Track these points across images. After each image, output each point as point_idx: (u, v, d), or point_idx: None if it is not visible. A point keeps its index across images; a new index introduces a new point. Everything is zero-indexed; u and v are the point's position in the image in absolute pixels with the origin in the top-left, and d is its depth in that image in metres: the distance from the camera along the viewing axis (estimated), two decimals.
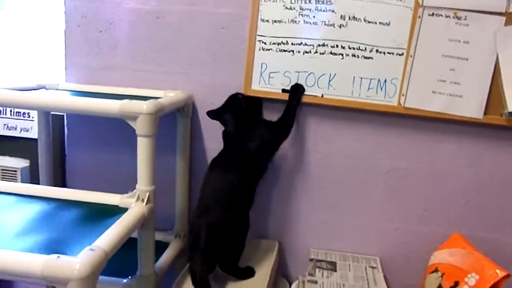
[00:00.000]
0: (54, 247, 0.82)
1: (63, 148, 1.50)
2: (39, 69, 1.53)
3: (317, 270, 1.30)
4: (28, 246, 0.83)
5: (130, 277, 1.09)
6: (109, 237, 0.83)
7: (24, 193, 1.10)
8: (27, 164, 1.54)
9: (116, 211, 1.00)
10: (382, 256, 1.40)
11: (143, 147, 0.99)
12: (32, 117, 1.51)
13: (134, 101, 0.98)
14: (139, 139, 0.99)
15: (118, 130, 1.38)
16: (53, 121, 1.42)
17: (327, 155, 1.35)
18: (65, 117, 1.47)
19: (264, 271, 1.21)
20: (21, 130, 1.52)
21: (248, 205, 1.19)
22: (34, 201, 1.07)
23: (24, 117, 1.52)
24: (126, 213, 0.96)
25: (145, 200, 1.01)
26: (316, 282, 1.23)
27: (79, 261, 0.73)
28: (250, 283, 1.15)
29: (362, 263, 1.36)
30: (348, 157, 1.35)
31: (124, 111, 0.97)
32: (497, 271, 1.10)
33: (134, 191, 1.03)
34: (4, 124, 1.51)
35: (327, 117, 1.33)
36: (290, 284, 1.40)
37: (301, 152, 1.36)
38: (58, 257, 0.73)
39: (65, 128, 1.45)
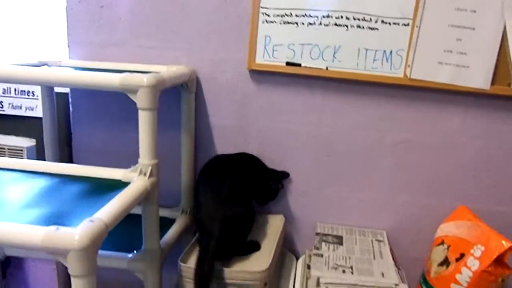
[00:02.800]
0: (55, 219, 0.83)
1: (69, 127, 1.50)
2: (41, 47, 1.52)
3: (323, 244, 1.30)
4: (30, 219, 0.84)
5: (135, 252, 1.10)
6: (109, 209, 0.84)
7: (28, 169, 1.10)
8: (33, 143, 1.54)
9: (118, 185, 1.00)
10: (389, 229, 1.39)
11: (144, 121, 0.99)
12: (37, 96, 1.51)
13: (134, 74, 0.97)
14: (140, 112, 0.99)
15: (123, 106, 1.39)
16: (58, 100, 1.42)
17: (333, 128, 1.34)
18: (69, 95, 1.47)
19: (269, 246, 1.21)
20: (26, 109, 1.53)
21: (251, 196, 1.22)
22: (38, 177, 1.07)
23: (28, 96, 1.52)
24: (128, 187, 0.96)
25: (148, 174, 1.01)
26: (322, 256, 1.23)
27: (78, 232, 0.73)
28: (255, 258, 1.15)
29: (369, 237, 1.36)
30: (354, 130, 1.33)
31: (124, 84, 0.96)
32: (503, 242, 1.09)
33: (137, 165, 1.03)
34: (9, 103, 1.52)
35: (333, 90, 1.31)
36: (297, 259, 1.41)
37: (306, 125, 1.35)
38: (58, 228, 0.74)
39: (70, 106, 1.45)
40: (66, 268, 1.47)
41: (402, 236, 1.40)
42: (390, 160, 1.35)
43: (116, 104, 1.41)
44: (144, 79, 0.96)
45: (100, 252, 1.11)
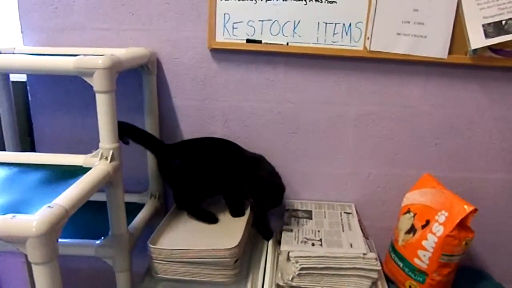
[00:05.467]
0: (13, 208, 0.81)
1: (29, 116, 1.46)
2: None
3: (292, 219, 1.31)
4: None
5: (103, 238, 1.09)
6: (69, 194, 0.82)
7: None
8: None
9: (80, 171, 0.98)
10: (356, 202, 1.42)
11: (102, 104, 0.97)
12: None
13: (89, 56, 0.95)
14: (97, 95, 0.96)
15: (81, 91, 1.35)
16: (15, 89, 1.38)
17: (297, 104, 1.35)
18: (26, 84, 1.42)
19: (240, 223, 1.22)
20: None
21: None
22: None
23: None
24: (89, 172, 0.94)
25: (109, 158, 0.99)
26: (291, 231, 1.25)
27: (36, 218, 0.72)
28: (227, 235, 1.15)
29: (337, 210, 1.38)
30: (317, 104, 1.34)
31: (79, 67, 0.94)
32: (465, 206, 1.13)
33: (98, 150, 1.01)
34: None
35: (294, 66, 1.31)
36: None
37: (270, 102, 1.35)
38: (14, 216, 0.72)
39: (28, 95, 1.41)
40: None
41: (369, 207, 1.43)
42: (354, 133, 1.36)
43: (74, 90, 1.37)
44: (99, 61, 0.94)
45: (67, 240, 1.10)
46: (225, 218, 1.26)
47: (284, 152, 1.39)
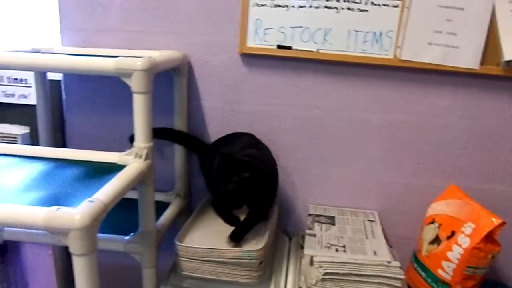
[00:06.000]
0: (55, 201, 0.84)
1: (62, 113, 1.50)
2: (33, 34, 1.52)
3: (316, 224, 1.32)
4: (30, 200, 0.85)
5: (132, 234, 1.11)
6: (108, 190, 0.85)
7: (25, 155, 1.12)
8: (27, 131, 1.54)
9: (115, 168, 1.01)
10: (380, 210, 1.42)
11: (139, 104, 1.00)
12: (30, 84, 1.51)
13: (128, 58, 0.98)
14: (134, 96, 1.00)
15: (114, 91, 1.39)
16: (51, 87, 1.42)
17: (323, 110, 1.36)
18: (61, 82, 1.47)
19: (263, 226, 1.23)
20: (19, 96, 1.53)
21: None
22: (34, 161, 1.08)
23: (21, 83, 1.52)
24: (124, 169, 0.97)
25: (143, 157, 1.02)
26: (315, 236, 1.26)
27: (79, 211, 0.75)
28: (252, 237, 1.17)
29: (360, 217, 1.39)
30: (343, 111, 1.35)
31: (119, 68, 0.97)
32: (493, 219, 1.12)
33: (132, 148, 1.04)
34: (2, 91, 1.51)
35: (323, 72, 1.32)
36: (290, 239, 1.43)
37: (296, 107, 1.36)
38: (59, 208, 0.75)
39: (63, 93, 1.46)
40: (62, 253, 1.49)
41: (393, 216, 1.43)
42: (379, 141, 1.37)
43: (108, 89, 1.41)
44: (138, 63, 0.97)
45: (98, 235, 1.13)
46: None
47: (307, 157, 1.41)
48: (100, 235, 1.12)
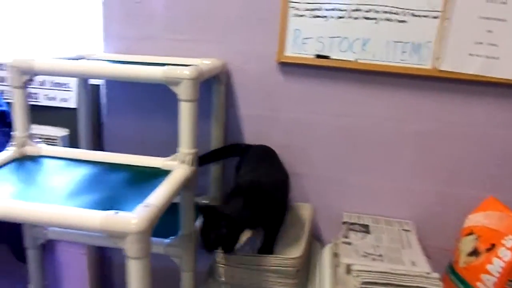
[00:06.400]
0: (107, 205, 0.87)
1: (99, 117, 1.54)
2: (75, 41, 1.57)
3: (351, 232, 1.33)
4: (82, 204, 0.88)
5: (172, 237, 1.14)
6: (159, 195, 0.88)
7: (70, 157, 1.15)
8: (67, 133, 1.59)
9: (159, 173, 1.04)
10: (415, 219, 1.42)
11: (185, 112, 1.03)
12: (71, 88, 1.55)
13: (176, 67, 1.01)
14: (181, 104, 1.02)
15: (154, 98, 1.43)
16: (91, 91, 1.47)
17: (359, 119, 1.37)
18: (100, 87, 1.51)
19: (301, 233, 1.24)
20: (60, 100, 1.57)
21: None
22: (80, 165, 1.12)
23: (63, 87, 1.56)
24: (172, 174, 1.00)
25: (188, 163, 1.04)
26: (350, 244, 1.26)
27: (136, 216, 0.77)
28: (288, 245, 1.19)
29: (395, 226, 1.39)
30: (380, 120, 1.36)
31: (167, 77, 1.00)
32: None
33: (176, 154, 1.07)
34: (45, 95, 1.56)
35: (360, 82, 1.34)
36: (322, 247, 1.44)
37: (333, 116, 1.38)
38: (116, 212, 0.78)
39: (101, 97, 1.50)
40: (95, 254, 1.53)
41: (428, 227, 1.42)
42: (415, 150, 1.37)
43: (148, 95, 1.45)
44: (187, 72, 1.00)
45: None
46: (285, 225, 1.29)
47: (342, 165, 1.42)
48: None
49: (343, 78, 1.34)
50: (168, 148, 1.09)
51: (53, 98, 1.56)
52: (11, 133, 1.44)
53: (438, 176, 1.38)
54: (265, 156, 1.31)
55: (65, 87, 1.56)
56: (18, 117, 1.15)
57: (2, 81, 1.61)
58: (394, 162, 1.40)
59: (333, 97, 1.36)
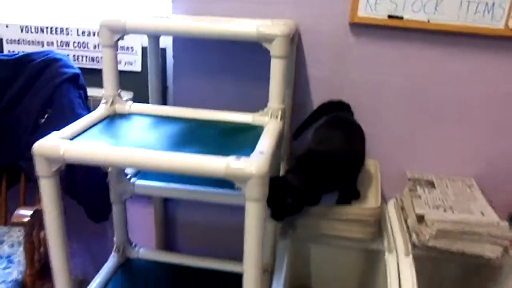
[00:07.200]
0: (219, 153, 0.91)
1: (164, 79, 1.59)
2: (141, 3, 1.60)
3: (418, 187, 1.39)
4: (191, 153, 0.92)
5: None
6: (266, 144, 0.94)
7: (159, 114, 1.21)
8: (131, 96, 1.64)
9: (250, 128, 1.10)
10: (476, 177, 1.47)
11: (277, 68, 1.07)
12: (135, 51, 1.60)
13: (269, 24, 1.05)
14: (273, 60, 1.07)
15: (221, 59, 1.46)
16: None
17: (428, 80, 1.40)
18: (165, 50, 1.55)
19: (375, 187, 1.30)
20: (125, 63, 1.62)
21: None
22: (171, 121, 1.17)
23: (128, 51, 1.61)
24: (268, 127, 1.05)
25: (279, 117, 1.10)
26: (419, 197, 1.33)
27: (256, 161, 0.84)
28: (364, 197, 1.24)
29: (458, 182, 1.44)
30: (451, 80, 1.39)
31: (262, 34, 1.04)
32: None
33: (266, 109, 1.12)
34: None
35: (431, 42, 1.36)
36: (386, 203, 1.50)
37: (402, 77, 1.41)
38: (238, 158, 0.84)
39: (172, 59, 1.53)
40: (161, 213, 1.61)
41: (488, 183, 1.47)
42: (486, 111, 1.41)
43: (215, 58, 1.48)
44: (280, 29, 1.04)
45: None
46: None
47: (408, 124, 1.46)
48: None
49: (415, 39, 1.36)
50: (235, 110, 1.14)
51: (118, 62, 1.61)
52: (84, 95, 1.51)
53: (505, 135, 1.42)
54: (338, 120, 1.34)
55: (130, 51, 1.61)
56: (109, 76, 1.20)
57: (67, 45, 1.66)
58: (460, 123, 1.43)
59: (404, 58, 1.39)
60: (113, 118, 1.19)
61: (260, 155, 0.86)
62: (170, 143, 1.02)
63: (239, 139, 1.05)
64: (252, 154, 0.87)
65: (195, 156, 0.87)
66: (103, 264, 1.40)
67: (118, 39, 1.18)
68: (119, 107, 1.22)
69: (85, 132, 1.04)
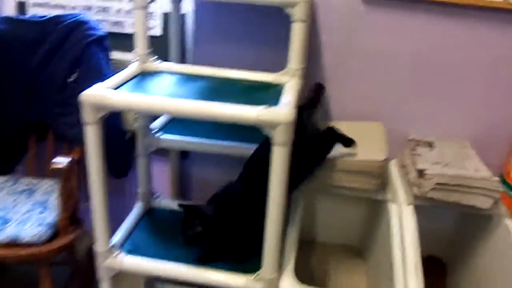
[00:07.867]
0: (248, 103, 1.01)
1: (183, 44, 1.68)
2: None
3: (417, 147, 1.52)
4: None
5: None
6: (290, 97, 1.05)
7: (186, 72, 1.32)
8: None
9: (272, 86, 1.21)
10: (471, 139, 1.60)
11: (297, 31, 1.18)
12: (156, 17, 1.69)
13: None
14: (294, 24, 1.18)
15: (242, 24, 1.56)
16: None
17: (434, 48, 1.51)
18: (185, 16, 1.64)
19: (380, 143, 1.43)
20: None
21: None
22: (197, 79, 1.28)
23: (148, 16, 1.70)
24: (288, 84, 1.17)
25: (298, 76, 1.21)
26: (419, 155, 1.45)
27: (284, 109, 0.95)
28: (371, 151, 1.37)
29: (455, 143, 1.57)
30: (453, 49, 1.50)
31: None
32: None
33: (286, 69, 1.23)
34: (132, 23, 1.70)
35: (437, 13, 1.46)
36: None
37: (409, 46, 1.52)
38: (268, 106, 0.96)
39: (188, 25, 1.62)
40: (177, 170, 1.72)
41: (481, 145, 1.60)
42: (483, 76, 1.53)
43: (235, 22, 1.58)
44: None
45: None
46: (363, 141, 1.46)
47: (414, 88, 1.58)
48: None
49: (421, 9, 1.47)
50: None
51: None
52: (110, 57, 1.60)
53: (501, 101, 1.55)
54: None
55: (151, 16, 1.70)
56: (140, 36, 1.30)
57: (90, 10, 1.74)
58: (458, 88, 1.56)
59: (411, 27, 1.50)
60: (144, 75, 1.30)
61: (287, 105, 0.98)
62: (201, 95, 1.12)
63: (262, 94, 1.16)
64: (279, 105, 0.99)
65: (230, 105, 0.98)
66: (122, 220, 1.48)
67: (151, 1, 1.27)
68: (149, 65, 1.33)
69: (124, 85, 1.15)
